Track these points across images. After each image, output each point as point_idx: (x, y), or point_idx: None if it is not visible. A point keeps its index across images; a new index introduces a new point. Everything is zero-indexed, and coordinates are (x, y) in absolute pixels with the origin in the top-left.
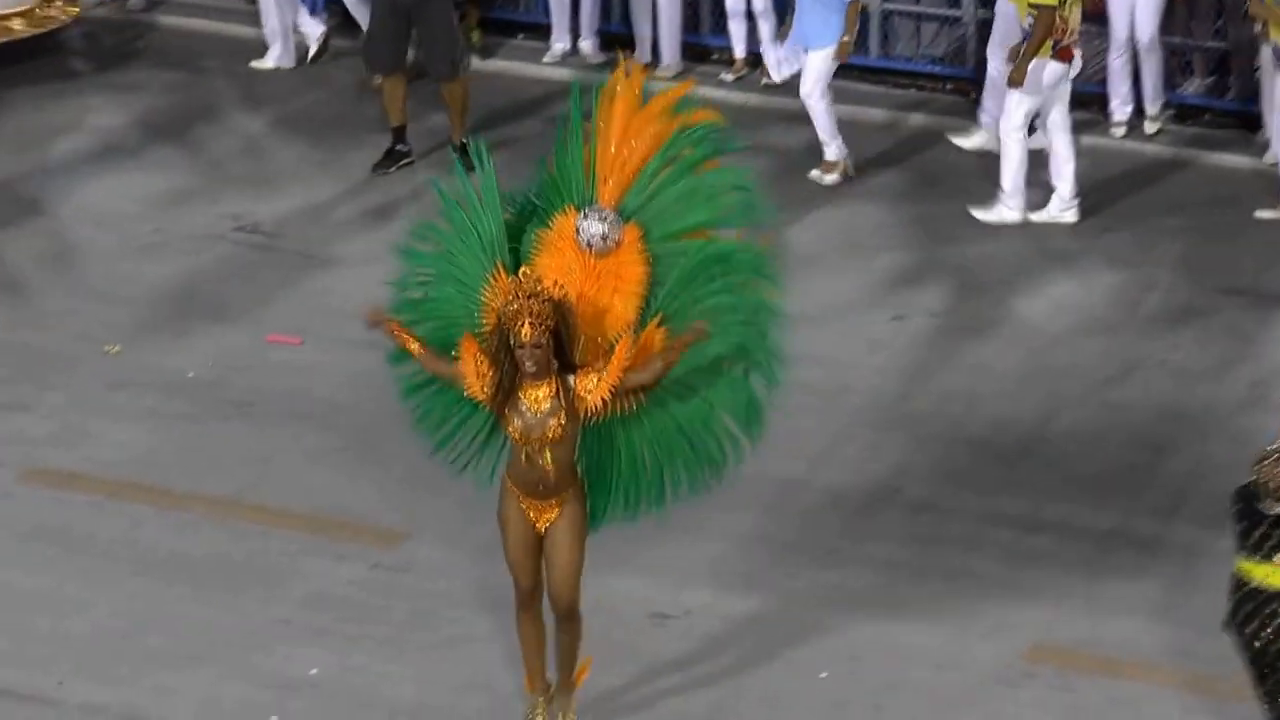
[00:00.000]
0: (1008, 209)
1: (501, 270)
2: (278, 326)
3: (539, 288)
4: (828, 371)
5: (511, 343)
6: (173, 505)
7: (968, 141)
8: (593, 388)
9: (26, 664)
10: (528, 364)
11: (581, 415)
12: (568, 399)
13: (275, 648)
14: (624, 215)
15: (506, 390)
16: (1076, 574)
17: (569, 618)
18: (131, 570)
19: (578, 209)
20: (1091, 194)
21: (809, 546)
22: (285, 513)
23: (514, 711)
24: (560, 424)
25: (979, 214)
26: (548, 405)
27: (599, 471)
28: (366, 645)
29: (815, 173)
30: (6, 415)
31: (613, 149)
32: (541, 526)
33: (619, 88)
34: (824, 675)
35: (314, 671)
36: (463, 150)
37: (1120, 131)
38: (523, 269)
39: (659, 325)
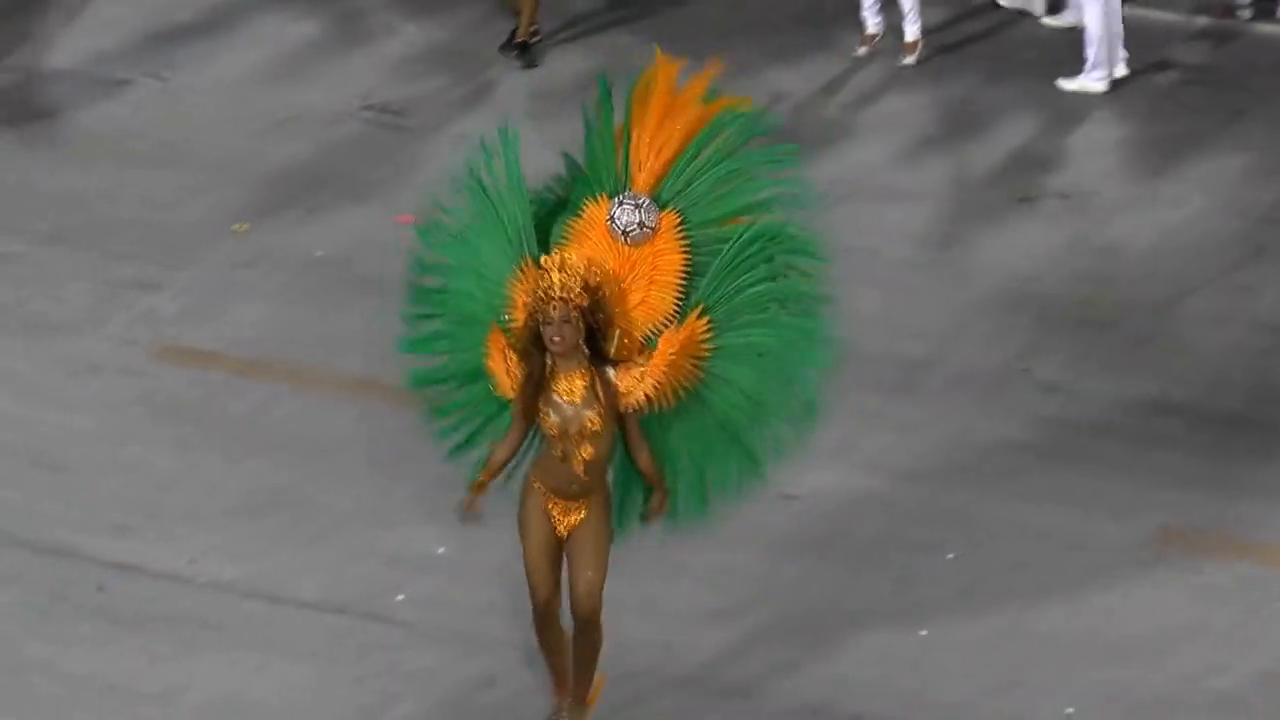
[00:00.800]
0: (1092, 79)
1: (529, 264)
2: (406, 206)
3: (569, 263)
4: (957, 252)
5: (540, 322)
6: (302, 384)
7: (1058, 20)
8: (634, 385)
9: (158, 541)
10: (555, 341)
11: (620, 412)
12: (606, 393)
13: (403, 526)
14: (660, 202)
15: (537, 383)
16: (1205, 456)
17: (587, 628)
18: (262, 448)
19: (610, 197)
20: (1219, 77)
21: (936, 428)
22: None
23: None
24: (599, 416)
25: (1064, 84)
26: (583, 397)
27: (629, 474)
28: (495, 523)
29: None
30: (138, 294)
31: (648, 136)
32: (564, 530)
33: (655, 75)
34: (951, 556)
35: (441, 550)
36: (522, 47)
37: (1247, 15)
38: (554, 250)
39: (699, 317)
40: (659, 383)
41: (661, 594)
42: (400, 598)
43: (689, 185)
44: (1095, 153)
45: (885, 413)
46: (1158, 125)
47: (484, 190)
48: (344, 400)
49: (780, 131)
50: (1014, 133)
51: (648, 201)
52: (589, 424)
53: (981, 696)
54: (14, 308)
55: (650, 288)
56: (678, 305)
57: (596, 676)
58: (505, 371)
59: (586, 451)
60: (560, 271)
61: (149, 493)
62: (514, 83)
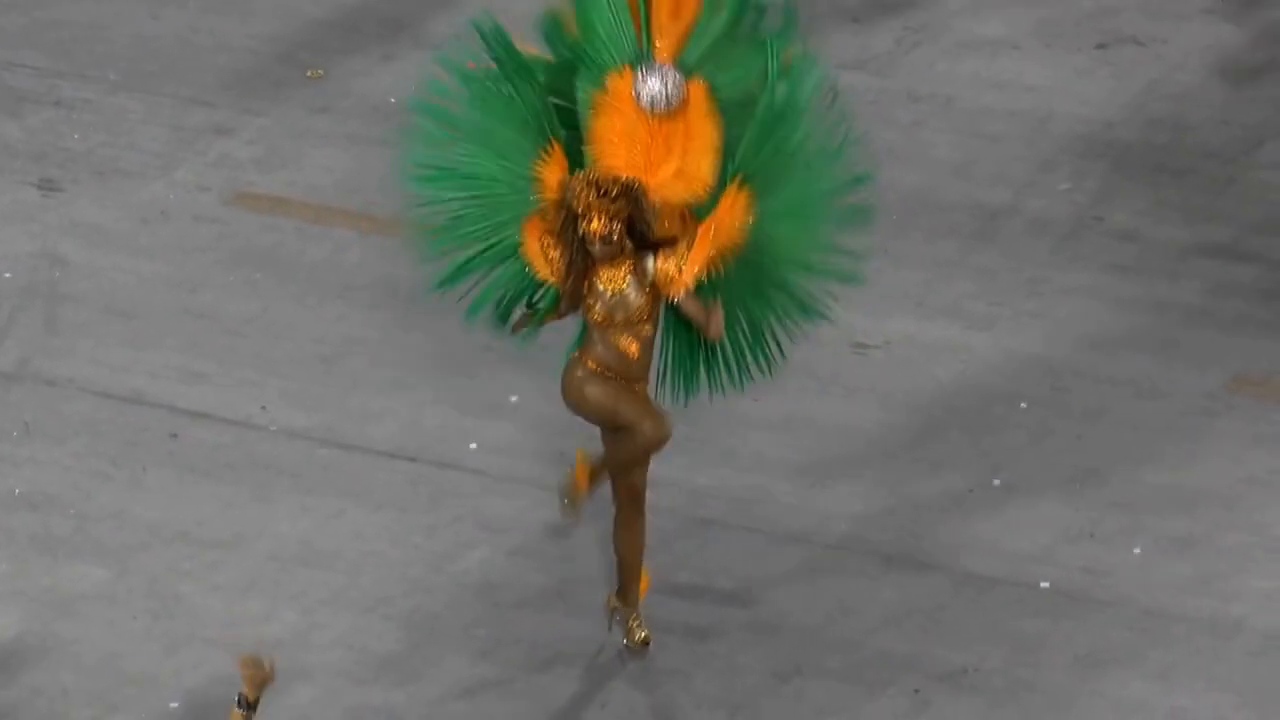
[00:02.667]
0: None
1: (556, 145)
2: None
3: (606, 183)
4: (1032, 99)
5: (580, 230)
6: (377, 230)
7: None
8: (675, 274)
9: (231, 387)
10: (598, 250)
11: (666, 296)
12: (649, 277)
13: (477, 373)
14: (684, 70)
15: (580, 271)
16: (1279, 305)
17: (641, 504)
18: (336, 294)
19: (633, 68)
20: None
21: (1012, 274)
22: None
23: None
24: (645, 302)
25: None
26: (627, 284)
27: (688, 345)
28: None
29: None
30: (211, 139)
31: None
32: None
33: None
34: (1024, 405)
35: (514, 399)
36: None
37: None
38: (586, 169)
39: (741, 186)
40: (700, 266)
41: (736, 444)
42: (473, 445)
43: (712, 50)
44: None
45: (962, 260)
46: None
47: (486, 78)
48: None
49: None
50: None
51: (673, 71)
52: (635, 312)
53: (1055, 544)
54: (84, 155)
55: (686, 157)
56: (717, 173)
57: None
58: (544, 258)
59: (636, 335)
60: (603, 195)
61: (221, 339)
62: None
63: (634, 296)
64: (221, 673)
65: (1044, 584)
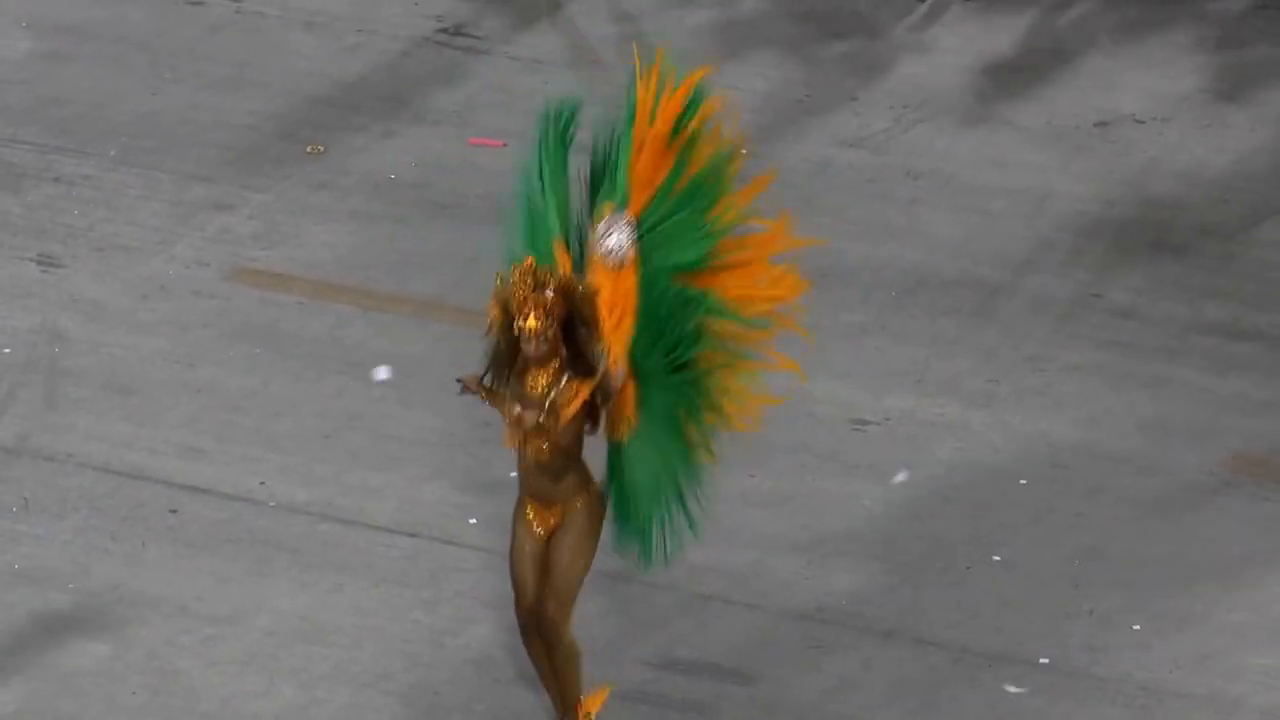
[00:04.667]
0: None
1: (561, 245)
2: (481, 129)
3: (541, 274)
4: (1031, 177)
5: (516, 328)
6: (376, 306)
7: None
8: (563, 404)
9: (230, 462)
10: (530, 348)
11: (564, 420)
12: (555, 395)
13: (477, 450)
14: (638, 232)
15: (503, 374)
16: (1278, 383)
17: (551, 638)
18: (335, 370)
19: (614, 209)
20: None
21: (1012, 351)
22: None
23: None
24: (543, 418)
25: None
26: (543, 393)
27: (625, 496)
28: None
29: None
30: (211, 214)
31: (652, 157)
32: (544, 534)
33: (640, 90)
34: (1023, 482)
35: (513, 474)
36: None
37: None
38: (527, 261)
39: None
40: (576, 409)
41: (736, 521)
42: (472, 521)
43: (659, 222)
44: (1169, 77)
45: (961, 337)
46: (1230, 52)
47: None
48: (416, 323)
49: (847, 57)
50: (1089, 57)
51: (630, 229)
52: (539, 420)
53: (1054, 621)
54: (84, 230)
55: (625, 315)
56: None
57: (597, 690)
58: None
59: (537, 447)
60: (539, 289)
61: (221, 415)
62: (592, 3)
63: (540, 409)
64: None
65: (1043, 660)
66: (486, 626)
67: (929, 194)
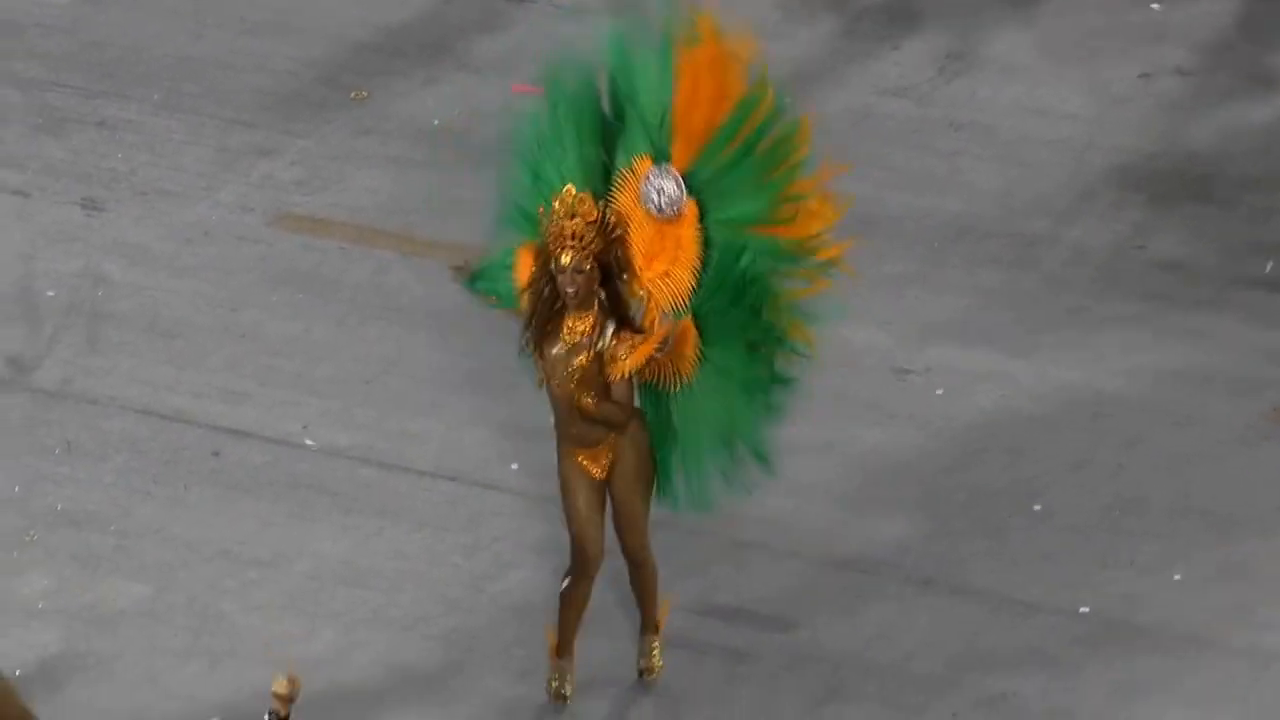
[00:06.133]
0: None
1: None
2: (524, 77)
3: (584, 208)
4: (1073, 128)
5: (552, 267)
6: (417, 251)
7: None
8: (621, 358)
9: (272, 406)
10: (569, 290)
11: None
12: (602, 344)
13: (517, 395)
14: (690, 187)
15: (543, 321)
16: None
17: (640, 564)
18: (377, 315)
19: (653, 159)
20: None
21: (1053, 302)
22: None
23: None
24: (586, 360)
25: None
26: (580, 340)
27: (672, 439)
28: None
29: None
30: (254, 160)
31: (694, 107)
32: (600, 474)
33: (701, 36)
34: (1064, 433)
35: (553, 419)
36: None
37: None
38: (568, 188)
39: (693, 323)
40: (638, 365)
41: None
42: (514, 466)
43: (715, 178)
44: (1213, 29)
45: (1002, 288)
46: (1273, 3)
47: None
48: None
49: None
50: (1133, 8)
51: (680, 181)
52: (577, 367)
53: (1094, 570)
54: (127, 175)
55: (674, 265)
56: (688, 295)
57: (661, 601)
58: (523, 283)
59: (578, 394)
60: (575, 218)
61: (262, 359)
62: None
63: (579, 356)
64: (260, 690)
65: (1083, 610)
66: (526, 571)
67: (971, 144)
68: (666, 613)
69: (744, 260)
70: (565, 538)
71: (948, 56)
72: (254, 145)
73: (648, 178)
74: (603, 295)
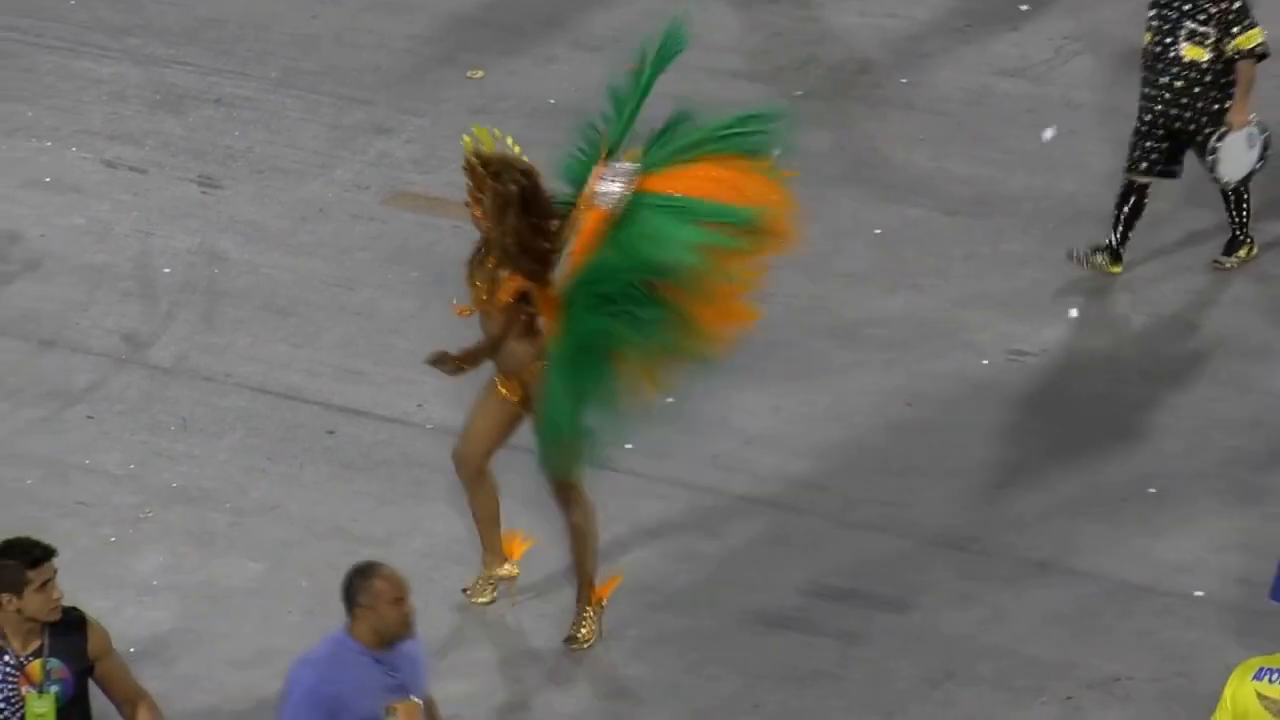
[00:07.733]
0: None
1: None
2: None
3: (480, 158)
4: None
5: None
6: None
7: None
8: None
9: (387, 385)
10: (467, 208)
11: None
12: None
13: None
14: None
15: (477, 254)
16: None
17: (565, 506)
18: None
19: (633, 160)
20: None
21: (1169, 284)
22: None
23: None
24: (485, 293)
25: None
26: (489, 275)
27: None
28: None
29: None
30: (370, 138)
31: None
32: (513, 398)
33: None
34: (1180, 415)
35: (668, 401)
36: None
37: None
38: (467, 141)
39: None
40: (502, 301)
41: (890, 450)
42: (628, 447)
43: (663, 205)
44: None
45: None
46: None
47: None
48: None
49: None
50: None
51: (629, 187)
52: (481, 296)
53: (1209, 554)
54: (244, 152)
55: (580, 250)
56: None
57: (612, 575)
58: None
59: (485, 317)
60: (469, 169)
61: (378, 337)
62: None
63: (483, 286)
64: None
65: (1197, 593)
66: (641, 551)
67: (1088, 125)
68: (613, 587)
69: (625, 269)
70: (677, 517)
71: (1065, 37)
72: (370, 123)
73: (607, 179)
74: (509, 242)
